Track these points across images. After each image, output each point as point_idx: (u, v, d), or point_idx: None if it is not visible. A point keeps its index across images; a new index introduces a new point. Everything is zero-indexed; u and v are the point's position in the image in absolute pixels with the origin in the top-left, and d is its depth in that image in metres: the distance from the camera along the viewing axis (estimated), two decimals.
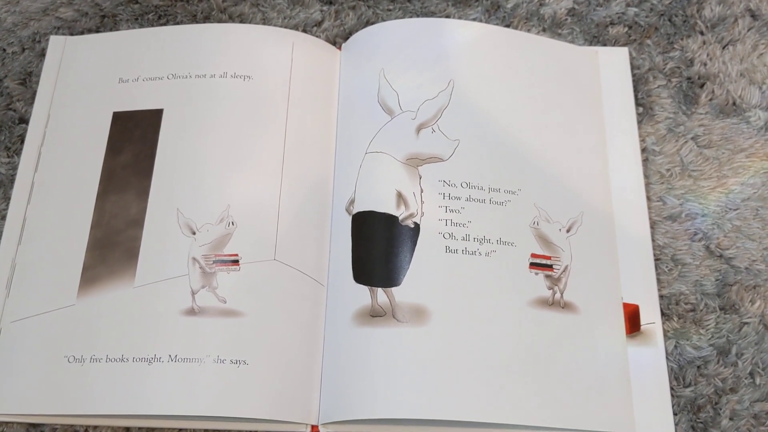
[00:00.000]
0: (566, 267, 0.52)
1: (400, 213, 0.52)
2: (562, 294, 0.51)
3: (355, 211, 0.53)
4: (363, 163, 0.54)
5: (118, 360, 0.48)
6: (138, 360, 0.48)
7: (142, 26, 0.62)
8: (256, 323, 0.49)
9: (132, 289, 0.50)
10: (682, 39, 0.61)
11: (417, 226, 0.51)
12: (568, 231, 0.53)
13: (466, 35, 0.58)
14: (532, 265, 0.51)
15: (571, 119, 0.57)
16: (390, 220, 0.51)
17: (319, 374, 0.49)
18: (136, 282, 0.51)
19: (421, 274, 0.50)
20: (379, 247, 0.51)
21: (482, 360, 0.48)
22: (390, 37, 0.58)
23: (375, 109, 0.55)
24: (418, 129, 0.54)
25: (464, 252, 0.51)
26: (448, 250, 0.51)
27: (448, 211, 0.52)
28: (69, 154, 0.56)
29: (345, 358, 0.49)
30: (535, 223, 0.52)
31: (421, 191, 0.52)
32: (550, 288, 0.51)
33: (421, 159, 0.53)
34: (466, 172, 0.53)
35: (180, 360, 0.48)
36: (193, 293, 0.50)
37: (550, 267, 0.52)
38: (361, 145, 0.54)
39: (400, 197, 0.52)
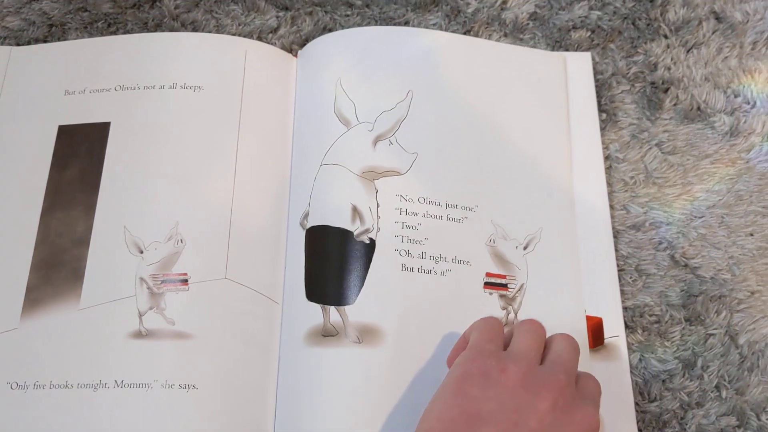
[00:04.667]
0: (522, 286, 0.50)
1: (355, 228, 0.50)
2: (516, 314, 0.50)
3: (308, 226, 0.51)
4: (318, 176, 0.52)
5: (62, 386, 0.47)
6: (83, 386, 0.46)
7: (91, 35, 0.60)
8: (206, 345, 0.47)
9: (77, 311, 0.49)
10: (645, 43, 0.60)
11: (372, 242, 0.50)
12: (525, 248, 0.51)
13: (426, 44, 0.56)
14: (487, 284, 0.50)
15: (536, 129, 0.55)
16: (344, 235, 0.50)
17: (274, 396, 0.48)
18: (81, 304, 0.49)
19: (376, 292, 0.48)
20: (332, 263, 0.49)
21: (435, 381, 0.46)
22: (348, 46, 0.56)
23: (331, 119, 0.53)
24: (375, 141, 0.52)
25: (420, 270, 0.49)
26: (404, 268, 0.49)
27: (404, 227, 0.50)
28: (12, 168, 0.54)
29: (297, 380, 0.47)
30: (492, 241, 0.51)
31: (378, 206, 0.51)
32: (503, 308, 0.50)
33: (378, 172, 0.52)
34: (424, 186, 0.52)
35: (127, 385, 0.46)
36: (141, 315, 0.48)
37: (504, 286, 0.50)
38: (316, 157, 0.53)
39: (356, 211, 0.50)
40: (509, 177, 0.53)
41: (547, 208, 0.53)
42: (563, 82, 0.57)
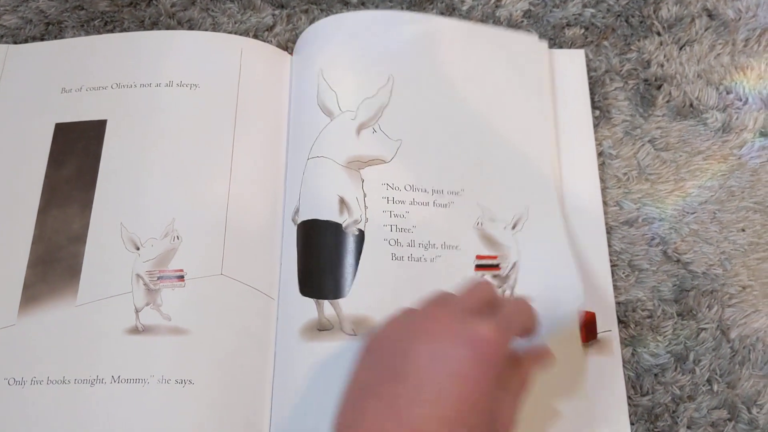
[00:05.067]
0: (514, 264, 0.50)
1: (343, 220, 0.50)
2: (512, 291, 0.50)
3: (299, 221, 0.51)
4: (305, 170, 0.52)
5: (59, 382, 0.47)
6: (80, 381, 0.47)
7: (88, 33, 0.61)
8: (203, 341, 0.48)
9: (74, 307, 0.49)
10: (639, 40, 0.60)
11: (361, 233, 0.50)
12: (513, 228, 0.51)
13: (408, 28, 0.56)
14: (478, 266, 0.50)
15: (515, 109, 0.55)
16: (333, 227, 0.50)
17: (270, 391, 0.48)
18: (78, 300, 0.49)
19: (368, 283, 0.49)
20: (323, 257, 0.50)
21: None
22: (331, 35, 0.56)
23: (315, 112, 0.54)
24: (359, 129, 0.52)
25: (410, 258, 0.49)
26: (394, 258, 0.49)
27: (392, 216, 0.50)
28: (9, 166, 0.54)
29: (294, 375, 0.48)
30: (479, 224, 0.51)
31: (365, 196, 0.51)
32: (498, 287, 0.50)
33: (363, 161, 0.52)
34: (410, 173, 0.51)
35: (123, 381, 0.46)
36: (137, 311, 0.48)
37: (496, 266, 0.50)
38: (305, 151, 0.53)
39: (343, 203, 0.50)
40: (492, 159, 0.53)
41: (531, 187, 0.52)
42: (543, 63, 0.56)
